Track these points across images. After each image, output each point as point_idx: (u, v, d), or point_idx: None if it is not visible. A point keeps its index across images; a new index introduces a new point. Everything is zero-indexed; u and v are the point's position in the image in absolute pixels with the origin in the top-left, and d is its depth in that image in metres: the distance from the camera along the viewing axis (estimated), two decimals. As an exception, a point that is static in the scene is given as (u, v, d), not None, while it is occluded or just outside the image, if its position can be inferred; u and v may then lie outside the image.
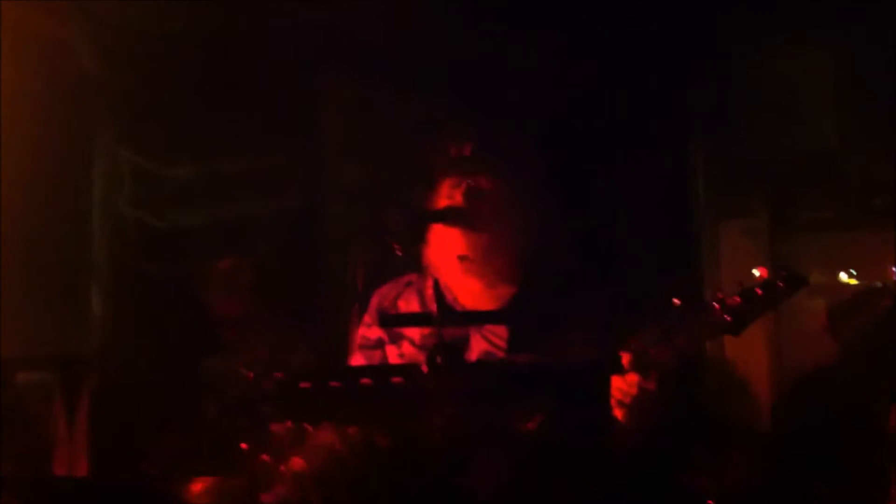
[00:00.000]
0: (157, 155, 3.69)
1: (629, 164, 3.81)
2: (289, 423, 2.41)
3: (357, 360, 2.80)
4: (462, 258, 2.71)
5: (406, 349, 2.74)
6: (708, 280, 3.90)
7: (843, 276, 3.89)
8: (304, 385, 2.50)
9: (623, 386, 2.44)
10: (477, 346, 2.70)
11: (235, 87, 3.67)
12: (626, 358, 2.45)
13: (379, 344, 2.80)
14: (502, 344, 2.69)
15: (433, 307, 2.74)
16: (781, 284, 2.35)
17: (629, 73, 3.76)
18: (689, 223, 3.94)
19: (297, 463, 1.12)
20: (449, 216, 2.69)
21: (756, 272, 2.38)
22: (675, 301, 2.44)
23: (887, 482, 2.99)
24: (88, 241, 3.65)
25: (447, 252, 2.73)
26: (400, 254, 2.70)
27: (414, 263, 2.82)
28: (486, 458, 2.42)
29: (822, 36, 3.83)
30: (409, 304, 2.81)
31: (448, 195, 2.73)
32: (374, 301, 2.86)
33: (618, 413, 2.46)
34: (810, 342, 3.88)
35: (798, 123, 3.91)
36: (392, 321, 2.76)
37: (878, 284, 3.84)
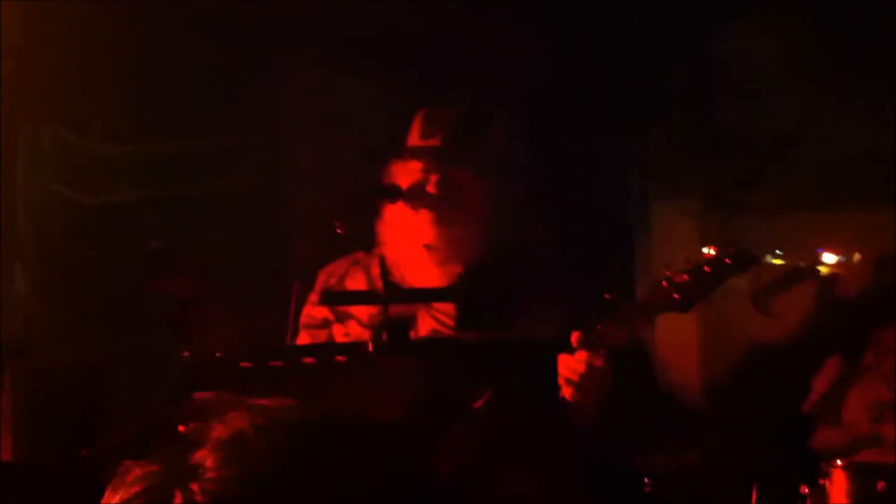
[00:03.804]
0: (88, 131, 3.58)
1: (570, 149, 3.81)
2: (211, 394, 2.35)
3: (302, 339, 2.76)
4: (429, 247, 2.69)
5: (352, 328, 2.71)
6: (640, 260, 3.94)
7: (768, 258, 3.96)
8: (244, 364, 2.47)
9: (571, 364, 2.45)
10: (424, 325, 2.69)
11: (179, 64, 3.57)
12: (574, 336, 2.45)
13: (325, 323, 2.77)
14: (450, 322, 2.68)
15: (380, 285, 2.71)
16: (729, 262, 2.38)
17: (569, 60, 3.75)
18: (626, 205, 3.96)
19: (217, 429, 1.07)
20: (416, 202, 2.67)
21: (706, 250, 2.40)
22: (606, 296, 2.46)
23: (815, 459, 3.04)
24: (13, 220, 3.53)
25: (411, 238, 2.71)
26: (340, 232, 2.67)
27: (361, 241, 2.79)
28: (433, 437, 2.40)
29: (766, 20, 3.86)
30: (356, 283, 2.77)
31: (417, 181, 2.69)
32: (321, 279, 2.83)
33: (566, 392, 2.47)
34: (738, 321, 3.94)
35: (732, 110, 3.95)
36: (335, 299, 2.73)
37: (802, 265, 3.93)
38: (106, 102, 3.50)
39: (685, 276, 2.39)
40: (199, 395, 1.31)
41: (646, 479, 3.07)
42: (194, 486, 1.10)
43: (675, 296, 2.40)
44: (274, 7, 3.57)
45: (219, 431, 1.15)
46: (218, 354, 2.46)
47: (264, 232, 3.71)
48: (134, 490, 1.15)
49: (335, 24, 3.64)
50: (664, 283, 2.41)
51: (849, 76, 3.74)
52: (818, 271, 3.88)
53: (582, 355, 2.44)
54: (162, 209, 3.61)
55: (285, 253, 3.56)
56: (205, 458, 1.12)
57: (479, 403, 2.49)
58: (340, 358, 2.45)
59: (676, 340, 3.90)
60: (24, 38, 3.28)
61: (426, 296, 2.68)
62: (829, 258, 3.90)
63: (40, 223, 3.56)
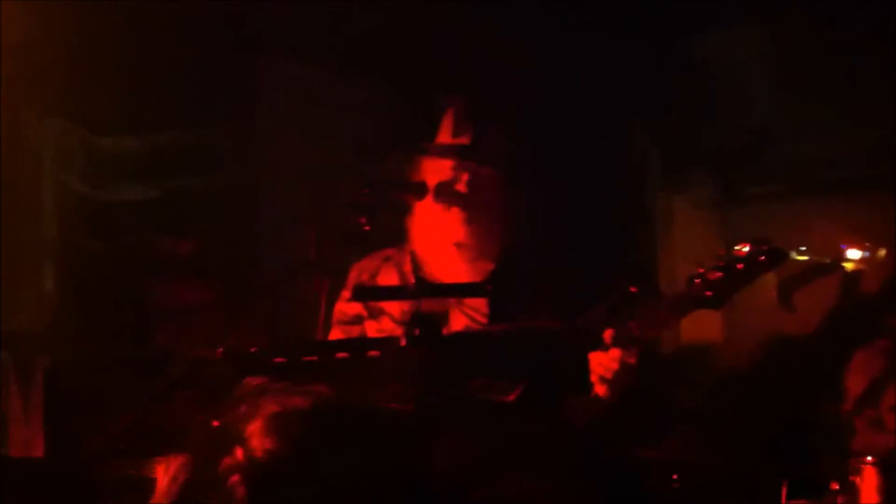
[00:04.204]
0: (101, 128, 3.61)
1: (584, 146, 3.83)
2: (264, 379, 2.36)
3: (335, 335, 2.78)
4: (459, 245, 2.72)
5: (385, 324, 2.73)
6: (663, 254, 3.96)
7: (792, 254, 3.97)
8: (278, 360, 2.48)
9: (605, 362, 2.46)
10: (457, 322, 2.71)
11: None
12: (608, 333, 2.46)
13: (357, 319, 2.79)
14: (482, 319, 2.69)
15: (411, 281, 2.73)
16: (763, 258, 2.38)
17: (577, 56, 3.77)
18: (643, 199, 3.98)
19: (270, 406, 1.12)
20: (446, 200, 2.68)
21: (738, 247, 2.40)
22: (633, 289, 2.47)
23: (843, 457, 3.03)
24: (39, 216, 3.56)
25: (441, 236, 2.73)
26: (367, 228, 2.69)
27: (392, 237, 2.81)
28: (463, 431, 2.41)
29: (765, 13, 3.88)
30: (387, 279, 2.80)
31: (447, 179, 2.71)
32: (353, 276, 2.85)
33: (600, 389, 2.48)
34: (762, 315, 3.95)
35: (748, 99, 3.96)
36: (367, 294, 2.75)
37: (827, 261, 3.93)
38: (106, 97, 3.52)
39: (719, 274, 2.39)
40: (251, 380, 1.33)
41: (674, 476, 3.07)
42: (255, 444, 1.13)
43: (708, 293, 2.40)
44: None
45: (272, 407, 1.18)
46: (252, 349, 2.47)
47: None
48: (182, 468, 1.17)
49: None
50: (697, 280, 2.41)
51: (854, 71, 3.76)
52: (842, 266, 3.89)
53: (616, 353, 2.45)
54: (171, 205, 3.65)
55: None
56: (255, 431, 1.15)
57: (511, 397, 2.51)
58: (373, 353, 2.46)
59: (700, 332, 3.91)
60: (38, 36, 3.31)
61: (458, 291, 2.69)
62: (853, 254, 3.90)
63: (65, 218, 3.59)
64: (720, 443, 3.47)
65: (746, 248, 2.39)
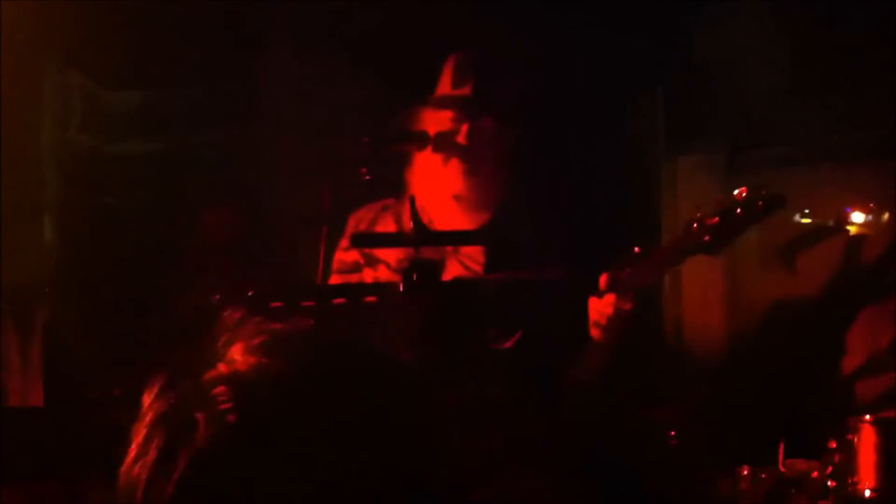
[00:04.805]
0: (109, 79, 3.61)
1: (593, 104, 3.81)
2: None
3: (334, 283, 2.77)
4: (458, 197, 2.71)
5: (382, 273, 2.73)
6: (667, 214, 3.94)
7: (796, 217, 3.95)
8: (275, 304, 2.48)
9: (600, 306, 2.45)
10: (452, 270, 2.71)
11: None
12: (603, 278, 2.46)
13: (355, 267, 2.79)
14: (478, 268, 2.69)
15: (409, 230, 2.72)
16: (761, 203, 2.36)
17: (584, 19, 3.75)
18: (648, 159, 3.96)
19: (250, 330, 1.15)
20: (445, 152, 2.67)
21: (737, 192, 2.39)
22: (636, 249, 2.45)
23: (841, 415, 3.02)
24: (39, 167, 3.56)
25: (440, 187, 2.73)
26: (367, 178, 2.68)
27: (390, 187, 2.80)
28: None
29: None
30: (385, 228, 2.80)
31: (447, 130, 2.70)
32: (351, 224, 2.85)
33: (594, 333, 2.47)
34: (764, 277, 3.93)
35: (755, 61, 3.94)
36: (364, 241, 2.75)
37: (830, 223, 3.91)
38: (125, 50, 3.52)
39: (716, 219, 2.37)
40: (231, 313, 1.32)
41: (672, 433, 3.06)
42: (238, 360, 1.12)
43: (706, 238, 2.38)
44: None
45: (253, 331, 1.17)
46: (249, 293, 2.47)
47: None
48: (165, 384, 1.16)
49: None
50: (695, 224, 2.39)
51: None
52: (846, 230, 3.87)
53: (610, 298, 2.44)
54: (189, 157, 3.65)
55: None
56: (237, 350, 1.15)
57: (508, 344, 2.50)
58: (371, 298, 2.45)
59: (703, 296, 3.90)
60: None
61: (456, 238, 2.69)
62: (857, 217, 3.88)
63: (66, 169, 3.60)
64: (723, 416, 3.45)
65: (745, 194, 2.37)
